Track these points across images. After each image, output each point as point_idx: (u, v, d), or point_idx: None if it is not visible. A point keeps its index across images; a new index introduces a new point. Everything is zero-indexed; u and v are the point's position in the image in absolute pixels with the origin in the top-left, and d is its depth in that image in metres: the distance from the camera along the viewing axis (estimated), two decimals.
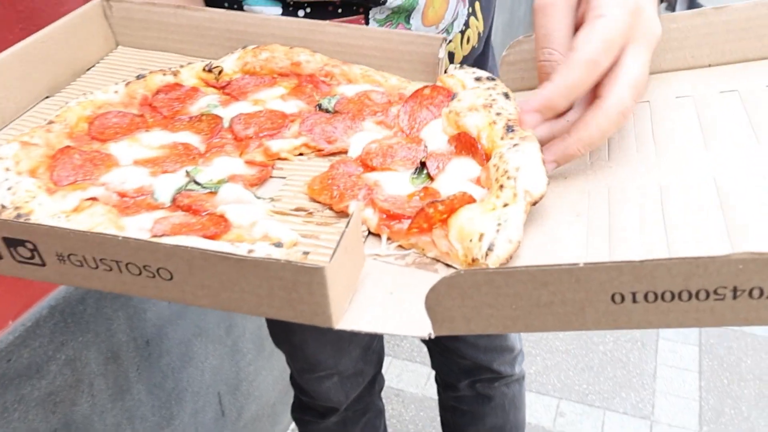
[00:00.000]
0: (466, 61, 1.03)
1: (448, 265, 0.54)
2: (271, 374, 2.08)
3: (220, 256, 0.46)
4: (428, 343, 1.64)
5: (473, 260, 0.51)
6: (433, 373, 1.70)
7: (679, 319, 0.44)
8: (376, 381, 1.62)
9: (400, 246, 0.56)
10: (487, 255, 0.49)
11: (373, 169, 0.62)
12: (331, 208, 0.60)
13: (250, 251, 0.49)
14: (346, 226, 0.49)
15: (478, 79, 0.67)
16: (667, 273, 0.41)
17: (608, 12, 0.57)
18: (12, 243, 0.50)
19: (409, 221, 0.55)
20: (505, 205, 0.52)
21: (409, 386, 2.32)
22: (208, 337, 1.73)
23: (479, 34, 1.04)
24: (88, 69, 0.80)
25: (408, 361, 2.40)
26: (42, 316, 1.18)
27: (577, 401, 2.25)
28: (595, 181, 0.60)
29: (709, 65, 0.72)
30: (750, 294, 0.41)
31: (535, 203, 0.53)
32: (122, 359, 1.41)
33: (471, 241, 0.51)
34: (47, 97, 0.75)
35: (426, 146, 0.64)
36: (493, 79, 0.66)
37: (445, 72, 0.69)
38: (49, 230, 0.49)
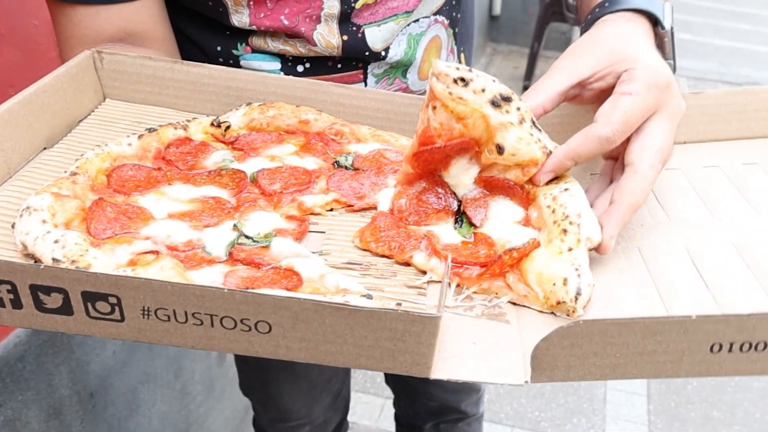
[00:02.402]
0: None
1: (519, 306, 0.57)
2: (222, 414, 2.01)
3: (333, 306, 0.46)
4: (396, 385, 1.65)
5: (558, 303, 0.54)
6: (387, 403, 1.70)
7: (764, 367, 0.48)
8: (341, 428, 1.63)
9: (467, 297, 0.58)
10: (576, 299, 0.53)
11: (416, 224, 0.64)
12: (387, 257, 0.61)
13: (346, 302, 0.49)
14: (445, 277, 0.50)
15: (495, 104, 0.63)
16: (767, 325, 0.46)
17: (635, 90, 0.63)
18: (92, 297, 0.48)
19: (476, 268, 0.58)
20: (570, 249, 0.56)
21: (363, 419, 2.28)
22: (156, 382, 1.66)
23: None
24: (81, 121, 0.77)
25: (361, 393, 2.36)
26: None
27: (529, 428, 2.28)
28: (623, 242, 0.65)
29: (684, 142, 0.80)
30: None
31: (590, 249, 0.57)
32: (65, 414, 1.33)
33: (555, 285, 0.54)
34: (45, 149, 0.71)
35: (454, 192, 0.67)
36: (508, 99, 0.63)
37: (450, 94, 0.63)
38: (144, 283, 0.47)
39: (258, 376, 1.40)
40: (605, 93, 0.67)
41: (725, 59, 5.80)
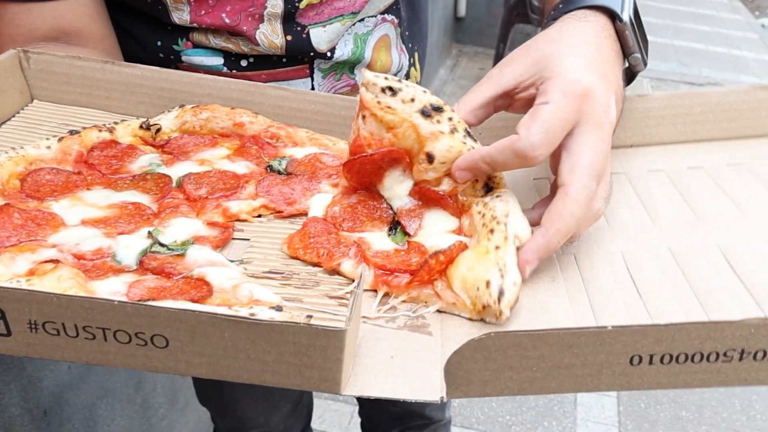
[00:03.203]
0: None
1: (447, 315, 0.54)
2: (186, 426, 1.97)
3: (231, 320, 0.43)
4: None
5: (484, 307, 0.51)
6: (356, 409, 1.68)
7: (687, 380, 0.46)
8: None
9: (391, 308, 0.55)
10: (499, 300, 0.50)
11: (350, 230, 0.62)
12: (316, 265, 0.58)
13: (252, 314, 0.47)
14: (357, 288, 0.47)
15: (425, 114, 0.61)
16: (686, 336, 0.44)
17: (553, 99, 0.59)
18: None
19: (406, 276, 0.55)
20: (497, 248, 0.53)
21: (332, 427, 2.26)
22: (115, 397, 1.61)
23: (417, 82, 1.07)
24: (3, 123, 0.74)
25: (330, 401, 2.32)
26: None
27: None
28: (559, 249, 0.62)
29: (631, 146, 0.78)
30: (754, 356, 0.45)
31: (519, 248, 0.55)
32: None
33: (478, 289, 0.51)
34: None
35: (390, 204, 0.64)
36: (439, 109, 0.62)
37: (379, 103, 0.61)
38: (28, 295, 0.44)
39: (212, 384, 1.37)
40: (530, 103, 0.64)
41: (686, 60, 5.88)
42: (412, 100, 0.59)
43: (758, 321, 0.43)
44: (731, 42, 6.33)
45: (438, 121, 0.59)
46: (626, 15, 0.72)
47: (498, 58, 4.93)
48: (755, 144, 0.76)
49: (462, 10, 5.62)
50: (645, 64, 0.75)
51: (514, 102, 0.66)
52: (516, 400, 2.38)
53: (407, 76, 1.03)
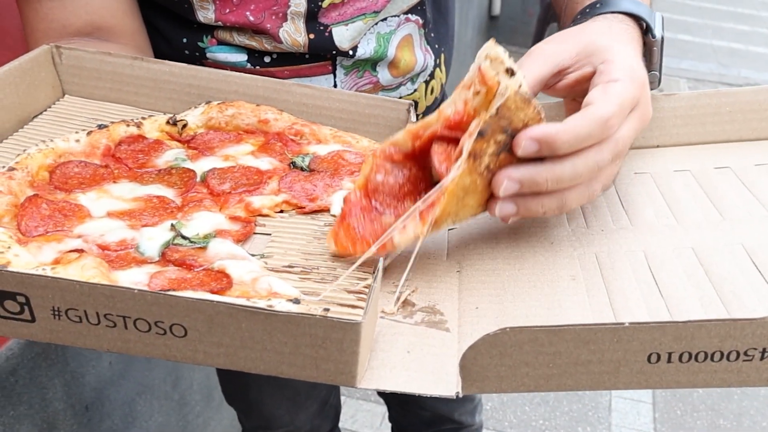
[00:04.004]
0: (428, 112, 1.06)
1: (463, 313, 0.54)
2: (221, 424, 2.01)
3: (248, 311, 0.44)
4: (386, 394, 1.62)
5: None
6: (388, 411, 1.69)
7: (707, 379, 0.46)
8: None
9: (410, 304, 0.56)
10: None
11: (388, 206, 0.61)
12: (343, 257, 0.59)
13: (269, 306, 0.47)
14: (374, 282, 0.48)
15: None
16: (706, 334, 0.43)
17: (621, 79, 0.60)
18: (0, 296, 0.46)
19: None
20: None
21: (364, 427, 2.26)
22: (153, 393, 1.64)
23: (442, 85, 1.08)
24: (35, 117, 0.76)
25: (362, 401, 2.33)
26: None
27: None
28: (581, 247, 0.62)
29: (657, 146, 0.77)
30: None
31: None
32: (59, 429, 1.31)
33: None
34: None
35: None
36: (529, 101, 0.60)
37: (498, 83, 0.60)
38: (52, 282, 0.45)
39: (238, 382, 1.38)
40: (579, 84, 0.65)
41: (724, 60, 5.78)
42: (519, 86, 0.57)
43: None
44: None
45: None
46: (658, 32, 0.72)
47: None
48: None
49: (497, 9, 5.60)
50: (658, 84, 0.76)
51: (562, 81, 0.66)
52: (549, 404, 2.37)
53: (432, 77, 1.03)
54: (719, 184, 0.70)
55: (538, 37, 4.77)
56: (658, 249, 0.61)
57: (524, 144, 0.57)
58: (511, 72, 0.57)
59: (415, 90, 1.01)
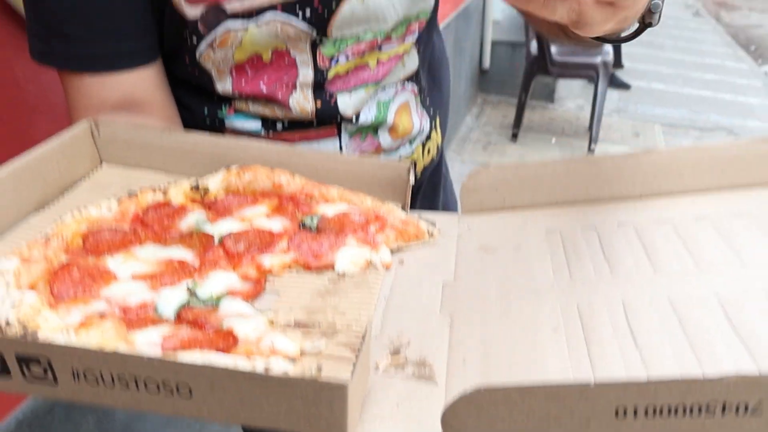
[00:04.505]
0: (426, 171, 1.03)
1: (451, 366, 0.51)
2: None
3: (245, 374, 0.41)
4: None
5: None
6: None
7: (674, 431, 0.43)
8: None
9: (402, 358, 0.53)
10: None
11: None
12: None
13: (267, 369, 0.45)
14: (362, 343, 0.45)
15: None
16: (667, 390, 0.40)
17: None
18: (25, 360, 0.44)
19: None
20: None
21: None
22: (177, 426, 1.61)
23: (438, 145, 1.06)
24: (74, 184, 0.74)
25: None
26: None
27: None
28: (564, 297, 0.59)
29: (640, 196, 0.74)
30: (736, 410, 0.41)
31: None
32: None
33: None
34: (34, 212, 0.69)
35: None
36: None
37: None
38: (66, 347, 0.43)
39: None
40: None
41: (695, 107, 5.75)
42: None
43: (736, 378, 0.39)
44: (737, 89, 6.16)
45: None
46: None
47: (520, 106, 4.92)
48: (762, 192, 0.72)
49: (486, 63, 5.63)
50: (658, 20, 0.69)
51: None
52: None
53: (428, 138, 1.01)
54: (697, 234, 0.67)
55: (525, 88, 4.77)
56: (636, 300, 0.58)
57: None
58: None
59: (413, 151, 0.99)
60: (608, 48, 4.71)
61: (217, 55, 0.85)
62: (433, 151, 1.04)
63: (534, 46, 4.72)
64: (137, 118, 0.83)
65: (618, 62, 6.12)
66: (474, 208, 0.75)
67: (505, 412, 0.41)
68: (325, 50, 0.87)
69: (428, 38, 1.00)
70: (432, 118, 1.01)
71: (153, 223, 0.67)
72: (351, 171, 0.77)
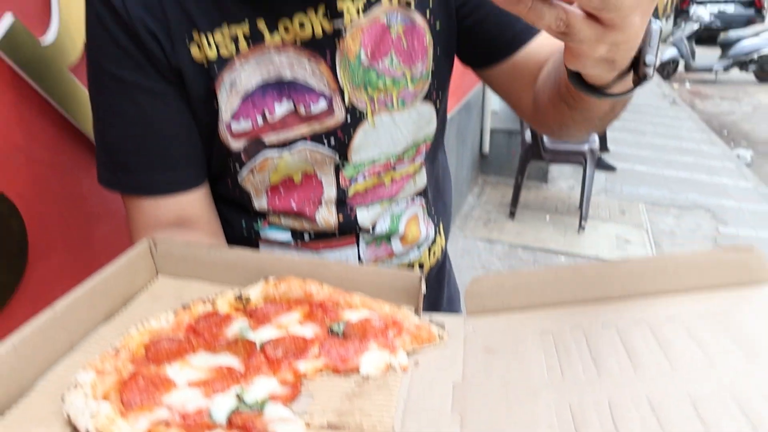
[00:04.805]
0: (432, 270, 1.08)
1: None
2: None
3: None
4: None
5: None
6: None
7: None
8: None
9: None
10: None
11: None
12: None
13: None
14: None
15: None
16: None
17: None
18: None
19: None
20: None
21: None
22: None
23: (442, 248, 1.11)
24: (135, 295, 0.80)
25: None
26: None
27: None
28: (557, 395, 0.62)
29: (620, 297, 0.78)
30: None
31: None
32: None
33: None
34: (102, 323, 0.74)
35: None
36: None
37: None
38: None
39: None
40: None
41: (675, 187, 5.81)
42: None
43: None
44: (712, 170, 6.24)
45: None
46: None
47: (517, 187, 5.00)
48: (721, 294, 0.76)
49: (486, 148, 5.77)
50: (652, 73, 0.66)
51: None
52: None
53: (433, 243, 1.07)
54: (669, 335, 0.70)
55: (521, 171, 4.87)
56: (619, 399, 0.61)
57: None
58: None
59: (421, 255, 1.04)
60: (594, 137, 4.84)
61: (256, 178, 0.91)
62: (438, 254, 1.09)
63: (528, 134, 4.85)
64: (188, 234, 0.89)
65: (604, 146, 6.24)
66: (477, 310, 0.79)
67: None
68: (347, 172, 0.94)
69: (434, 156, 1.07)
70: (436, 225, 1.07)
71: (204, 331, 0.72)
72: (371, 280, 0.82)
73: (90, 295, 0.72)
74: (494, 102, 5.99)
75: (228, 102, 0.86)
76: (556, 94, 0.84)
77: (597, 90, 0.69)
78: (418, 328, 0.75)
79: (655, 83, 10.78)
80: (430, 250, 1.06)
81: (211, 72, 0.84)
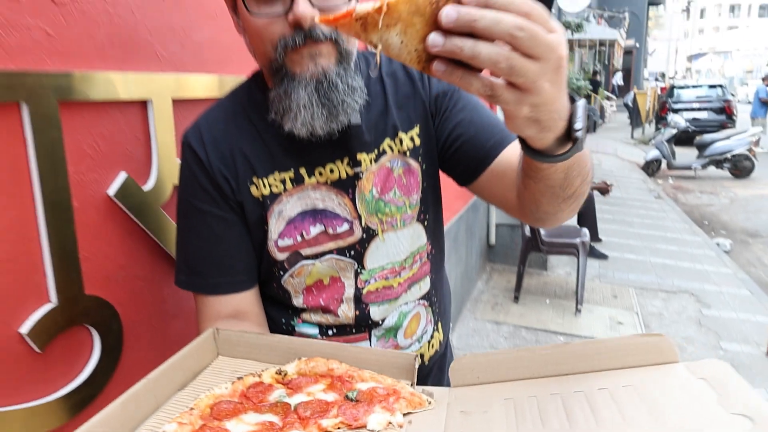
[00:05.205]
0: (432, 359, 1.21)
1: None
2: None
3: None
4: None
5: None
6: None
7: None
8: None
9: None
10: None
11: None
12: None
13: None
14: None
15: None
16: None
17: None
18: None
19: None
20: None
21: None
22: None
23: (440, 341, 1.24)
24: (202, 370, 0.96)
25: None
26: None
27: None
28: None
29: (566, 374, 0.91)
30: None
31: None
32: None
33: None
34: (179, 390, 0.89)
35: None
36: None
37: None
38: None
39: None
40: None
41: (661, 273, 5.79)
42: None
43: None
44: (694, 258, 6.25)
45: None
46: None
47: (520, 274, 5.08)
48: (639, 371, 0.88)
49: (493, 240, 5.90)
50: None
51: None
52: None
53: (432, 337, 1.20)
54: (599, 401, 0.82)
55: (522, 260, 4.97)
56: None
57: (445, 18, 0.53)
58: None
59: (422, 346, 1.18)
60: (585, 231, 4.96)
61: (295, 280, 1.08)
62: (437, 346, 1.22)
63: (527, 229, 4.99)
64: (241, 324, 1.05)
65: (596, 237, 6.33)
66: (458, 383, 0.93)
67: None
68: (363, 276, 1.10)
69: (437, 269, 1.22)
70: (435, 324, 1.21)
71: (252, 397, 0.87)
72: (377, 360, 0.96)
73: (170, 370, 0.88)
74: None
75: (276, 225, 1.04)
76: (522, 172, 0.86)
77: (542, 153, 0.72)
78: (412, 395, 0.89)
79: (641, 180, 10.93)
80: (429, 343, 1.20)
81: (264, 204, 1.04)
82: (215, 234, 1.04)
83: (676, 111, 15.89)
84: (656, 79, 33.41)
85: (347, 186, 1.05)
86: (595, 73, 21.88)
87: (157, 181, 1.27)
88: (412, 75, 1.10)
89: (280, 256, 1.06)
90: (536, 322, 4.54)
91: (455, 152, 1.09)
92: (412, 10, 0.53)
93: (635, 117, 18.37)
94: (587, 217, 6.05)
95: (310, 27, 0.88)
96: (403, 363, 0.95)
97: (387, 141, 1.08)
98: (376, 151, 1.07)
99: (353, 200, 1.06)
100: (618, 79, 28.27)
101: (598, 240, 6.42)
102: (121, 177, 1.18)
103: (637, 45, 33.89)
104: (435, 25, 0.54)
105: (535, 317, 4.65)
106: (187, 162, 1.03)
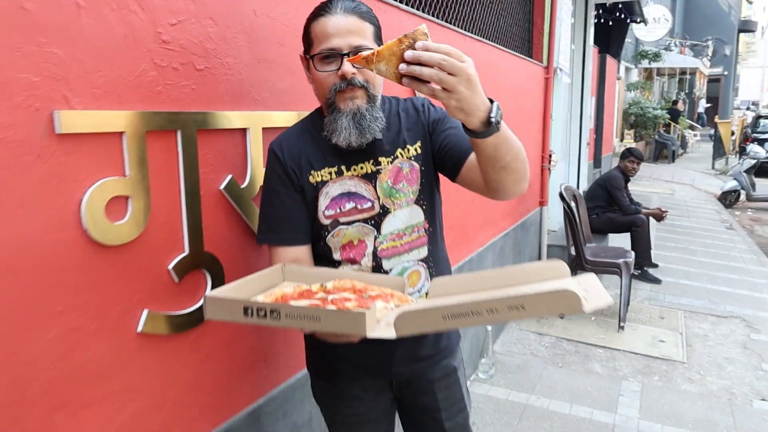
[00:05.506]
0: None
1: None
2: None
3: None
4: None
5: None
6: None
7: None
8: None
9: None
10: None
11: None
12: None
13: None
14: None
15: None
16: None
17: None
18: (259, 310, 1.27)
19: None
20: None
21: None
22: None
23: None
24: (272, 286, 1.62)
25: None
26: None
27: None
28: None
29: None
30: None
31: None
32: None
33: None
34: (260, 293, 1.55)
35: None
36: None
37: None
38: (283, 305, 1.27)
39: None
40: None
41: (714, 299, 5.87)
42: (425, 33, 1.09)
43: None
44: (754, 286, 6.30)
45: None
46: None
47: None
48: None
49: (544, 258, 6.19)
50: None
51: None
52: None
53: (427, 293, 1.66)
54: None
55: None
56: None
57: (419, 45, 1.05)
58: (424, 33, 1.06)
59: (420, 296, 1.73)
60: (631, 253, 5.31)
61: (334, 240, 1.72)
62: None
63: (572, 249, 5.41)
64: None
65: (649, 262, 6.53)
66: (435, 294, 1.53)
67: None
68: (379, 239, 1.73)
69: (434, 241, 1.79)
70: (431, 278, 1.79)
71: (305, 295, 1.51)
72: (383, 281, 1.57)
73: (256, 278, 1.54)
74: (553, 223, 6.63)
75: (324, 201, 1.69)
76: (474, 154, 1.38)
77: (474, 132, 1.20)
78: (402, 297, 1.50)
79: (715, 210, 10.83)
80: (426, 295, 1.65)
81: (317, 188, 1.69)
82: (286, 206, 1.71)
83: (761, 141, 15.53)
84: (747, 108, 32.21)
85: (371, 178, 1.66)
86: (675, 102, 21.63)
87: (249, 181, 1.94)
88: (418, 109, 1.75)
89: (326, 222, 1.72)
90: (578, 336, 4.91)
91: (444, 156, 1.70)
92: (390, 52, 1.05)
93: (717, 147, 18.00)
94: (640, 241, 6.32)
95: (351, 78, 1.55)
96: (397, 283, 1.57)
97: (399, 150, 1.72)
98: (391, 156, 1.71)
99: (375, 187, 1.66)
100: (701, 107, 27.58)
101: (654, 265, 6.60)
102: (228, 177, 1.88)
103: (726, 73, 32.93)
104: (402, 59, 1.05)
105: (577, 331, 5.02)
106: (270, 161, 1.72)
